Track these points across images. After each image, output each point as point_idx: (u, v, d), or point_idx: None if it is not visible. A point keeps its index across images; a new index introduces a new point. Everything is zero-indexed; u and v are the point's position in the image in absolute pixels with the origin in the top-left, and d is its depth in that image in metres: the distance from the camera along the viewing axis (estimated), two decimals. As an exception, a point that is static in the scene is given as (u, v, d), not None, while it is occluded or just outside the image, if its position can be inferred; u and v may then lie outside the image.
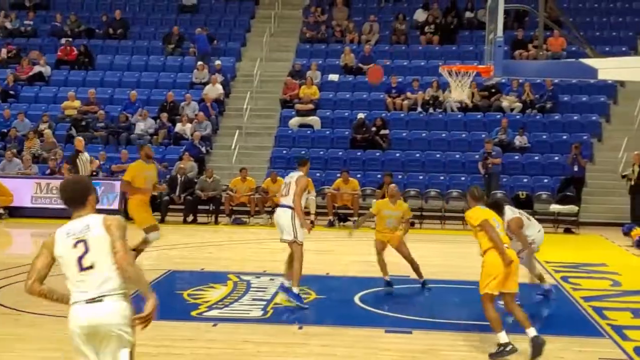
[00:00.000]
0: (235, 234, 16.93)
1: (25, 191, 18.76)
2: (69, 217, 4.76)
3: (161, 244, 14.66)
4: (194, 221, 18.52)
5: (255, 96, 22.91)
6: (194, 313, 9.30)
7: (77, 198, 4.67)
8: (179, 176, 18.74)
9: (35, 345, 7.88)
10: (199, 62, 23.20)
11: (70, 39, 24.44)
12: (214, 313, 9.31)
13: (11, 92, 22.79)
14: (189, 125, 21.13)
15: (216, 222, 18.52)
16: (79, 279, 4.49)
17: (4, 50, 24.06)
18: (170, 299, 10.19)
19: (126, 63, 24.36)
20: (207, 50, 23.78)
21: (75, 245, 4.50)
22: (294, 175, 10.05)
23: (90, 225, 4.54)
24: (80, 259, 4.48)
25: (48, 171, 19.55)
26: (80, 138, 18.75)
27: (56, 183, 18.81)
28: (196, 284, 10.83)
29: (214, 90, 22.40)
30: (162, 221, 18.33)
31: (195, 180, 19.09)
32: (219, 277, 11.36)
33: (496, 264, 7.47)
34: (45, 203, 18.61)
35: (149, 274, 11.23)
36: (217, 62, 23.22)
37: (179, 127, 21.23)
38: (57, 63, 24.06)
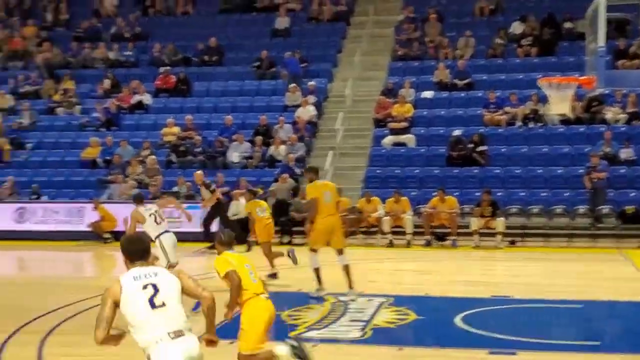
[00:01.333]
0: (331, 255, 16.86)
1: (128, 216, 19.25)
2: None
3: (259, 266, 14.75)
4: (290, 242, 18.58)
5: (348, 116, 22.91)
6: (292, 334, 9.27)
7: (146, 250, 5.22)
8: (269, 199, 18.85)
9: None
10: (291, 85, 23.42)
11: (169, 68, 25.09)
12: (313, 334, 9.27)
13: (114, 120, 23.53)
14: (282, 147, 21.30)
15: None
16: (153, 316, 4.85)
17: (106, 81, 24.89)
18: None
19: (221, 89, 24.82)
20: (298, 73, 23.99)
21: (144, 287, 4.90)
22: None
23: (157, 272, 5.02)
24: (151, 299, 4.86)
25: (150, 196, 20.03)
26: (199, 172, 18.93)
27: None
28: (294, 305, 10.81)
29: (307, 112, 22.54)
30: (257, 243, 18.53)
31: (290, 202, 19.18)
32: (316, 298, 11.32)
33: None
34: (139, 227, 19.03)
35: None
36: (311, 83, 23.39)
37: (272, 149, 21.43)
38: (156, 91, 24.73)
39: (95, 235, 19.12)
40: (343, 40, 26.28)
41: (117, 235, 19.12)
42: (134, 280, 4.95)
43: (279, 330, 9.53)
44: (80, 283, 13.68)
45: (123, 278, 5.00)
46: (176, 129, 22.51)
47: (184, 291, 5.05)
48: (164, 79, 24.73)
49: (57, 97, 24.76)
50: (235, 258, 7.04)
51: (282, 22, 26.45)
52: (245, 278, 6.81)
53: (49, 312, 10.39)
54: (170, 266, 10.66)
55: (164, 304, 4.88)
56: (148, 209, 12.01)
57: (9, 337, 9.05)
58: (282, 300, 11.48)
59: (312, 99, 22.92)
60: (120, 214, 19.25)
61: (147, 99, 24.28)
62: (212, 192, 17.77)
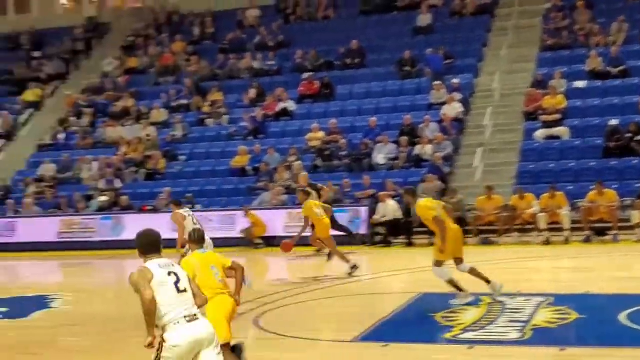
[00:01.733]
0: (484, 255, 16.44)
1: (278, 221, 19.61)
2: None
3: (411, 267, 14.58)
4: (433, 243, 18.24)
5: (497, 111, 22.29)
6: (448, 335, 9.03)
7: (158, 243, 5.92)
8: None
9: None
10: (435, 83, 23.06)
11: (311, 73, 25.35)
12: (469, 335, 8.97)
13: (261, 128, 24.01)
14: (429, 146, 20.98)
15: (464, 244, 18.07)
16: (178, 299, 5.54)
17: (252, 90, 25.45)
18: (423, 321, 10.03)
19: (364, 91, 24.79)
20: (440, 70, 23.61)
21: (169, 274, 5.60)
22: None
23: (173, 263, 5.77)
24: (176, 284, 5.57)
25: (298, 201, 20.26)
26: (304, 173, 19.27)
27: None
28: (448, 306, 10.54)
29: (453, 109, 22.10)
30: (409, 244, 18.36)
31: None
32: (470, 302, 10.98)
33: None
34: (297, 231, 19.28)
35: (401, 297, 11.16)
36: (455, 80, 22.94)
37: (418, 149, 21.15)
38: (300, 97, 25.03)
39: (247, 241, 19.53)
40: (488, 34, 25.63)
41: (267, 241, 19.50)
42: (160, 268, 5.61)
43: (433, 331, 9.35)
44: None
45: (149, 265, 5.65)
46: (321, 134, 22.67)
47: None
48: (307, 84, 24.99)
49: (206, 109, 25.56)
50: (201, 259, 7.37)
51: (424, 19, 26.14)
52: (209, 279, 7.11)
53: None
54: None
55: (185, 290, 5.62)
56: (186, 211, 13.10)
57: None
58: (435, 301, 11.28)
59: (458, 95, 22.47)
60: (270, 220, 19.66)
61: (291, 105, 24.61)
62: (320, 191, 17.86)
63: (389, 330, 9.71)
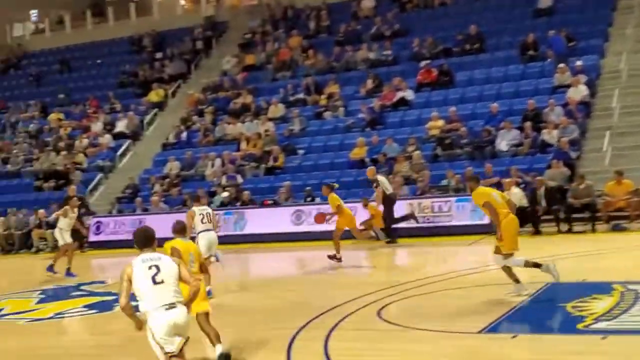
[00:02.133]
0: (615, 241, 15.74)
1: (398, 212, 19.40)
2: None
3: (537, 256, 14.11)
4: (569, 231, 17.63)
5: (624, 92, 21.32)
6: (580, 326, 8.67)
7: (150, 239, 6.72)
8: (537, 187, 18.03)
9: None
10: (559, 65, 22.26)
11: (429, 61, 25.01)
12: (602, 325, 8.59)
13: (378, 119, 23.87)
14: (554, 131, 20.26)
15: (593, 230, 17.43)
16: (153, 290, 6.41)
17: (369, 81, 25.35)
18: (552, 312, 9.71)
19: (484, 76, 24.24)
20: (563, 52, 22.77)
21: (149, 268, 6.46)
22: None
23: (161, 257, 6.61)
24: (153, 277, 6.43)
25: (418, 192, 20.05)
26: (372, 167, 19.57)
27: (427, 202, 19.24)
28: (579, 296, 10.11)
29: (578, 91, 21.26)
30: (536, 232, 17.80)
31: (567, 188, 18.18)
32: (602, 288, 10.51)
33: None
34: (421, 222, 19.10)
35: (528, 287, 10.77)
36: (578, 63, 22.07)
37: (544, 134, 20.46)
38: (417, 86, 24.74)
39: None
40: (613, 13, 24.54)
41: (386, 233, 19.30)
42: (142, 262, 6.50)
43: (564, 321, 8.99)
44: (358, 280, 13.93)
45: (134, 261, 6.56)
46: (441, 122, 22.32)
47: (180, 276, 6.58)
48: (425, 73, 24.67)
49: (323, 102, 25.64)
50: (182, 246, 8.86)
51: (545, 0, 25.28)
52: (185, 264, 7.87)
53: (332, 309, 10.59)
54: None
55: (162, 282, 6.44)
56: (201, 209, 13.35)
57: (297, 332, 9.33)
58: (564, 291, 10.86)
59: (583, 77, 21.62)
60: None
61: (409, 94, 24.35)
62: (376, 187, 18.51)
63: (518, 321, 9.42)
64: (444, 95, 24.05)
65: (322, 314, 10.36)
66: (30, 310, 12.18)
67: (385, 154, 21.74)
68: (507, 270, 10.67)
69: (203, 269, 9.17)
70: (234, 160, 24.07)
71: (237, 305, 12.10)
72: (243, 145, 24.80)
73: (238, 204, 21.81)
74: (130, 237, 21.64)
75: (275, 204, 21.49)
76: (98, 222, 23.26)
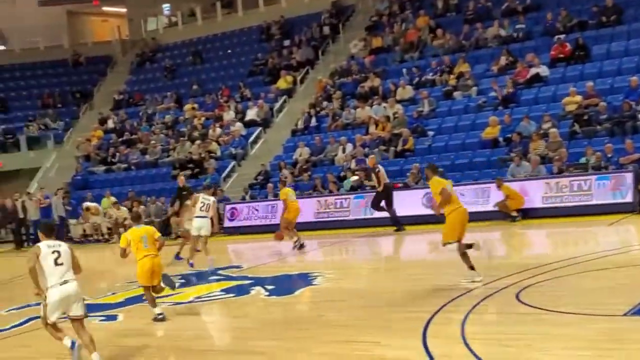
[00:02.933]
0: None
1: (535, 192, 18.84)
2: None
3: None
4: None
5: None
6: None
7: (52, 230, 8.84)
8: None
9: (563, 344, 7.57)
10: None
11: (563, 35, 24.08)
12: None
13: (511, 97, 23.19)
14: (702, 103, 19.07)
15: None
16: (55, 269, 8.31)
17: (502, 58, 24.67)
18: None
19: (623, 49, 23.09)
20: None
21: (53, 252, 8.38)
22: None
23: (61, 244, 8.58)
24: (55, 259, 8.34)
25: (555, 170, 19.35)
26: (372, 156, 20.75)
27: (565, 181, 18.55)
28: None
29: None
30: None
31: None
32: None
33: None
34: (556, 202, 18.47)
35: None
36: None
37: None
38: (552, 61, 23.86)
39: (503, 214, 18.94)
40: None
41: (525, 213, 18.78)
42: (48, 247, 8.40)
43: None
44: (493, 262, 13.58)
45: (41, 244, 8.46)
46: (578, 98, 21.44)
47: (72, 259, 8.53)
48: (559, 47, 23.76)
49: (452, 82, 25.17)
50: (134, 232, 10.73)
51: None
52: (139, 244, 10.60)
53: (469, 291, 10.37)
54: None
55: (62, 263, 8.35)
56: (205, 198, 16.15)
57: (433, 316, 9.19)
58: None
59: None
60: (525, 191, 18.92)
61: (543, 70, 23.51)
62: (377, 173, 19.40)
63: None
64: (579, 70, 23.08)
65: (457, 297, 10.16)
66: (170, 295, 12.56)
67: (519, 133, 21.09)
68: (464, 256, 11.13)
69: (159, 245, 10.78)
70: (363, 144, 24.03)
71: (370, 289, 12.06)
72: (372, 128, 24.72)
73: (367, 187, 21.76)
74: (263, 222, 22.17)
75: (405, 186, 21.30)
76: (232, 208, 23.82)
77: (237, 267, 16.12)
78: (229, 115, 29.53)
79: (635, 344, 7.27)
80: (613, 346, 7.38)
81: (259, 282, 13.44)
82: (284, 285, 13.23)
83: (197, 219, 15.99)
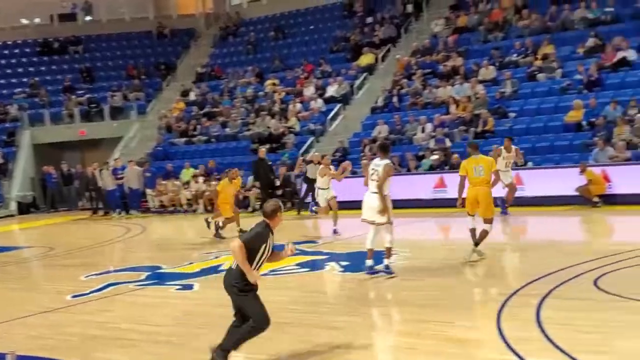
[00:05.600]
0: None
1: (620, 178, 18.47)
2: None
3: None
4: None
5: None
6: None
7: None
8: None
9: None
10: None
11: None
12: None
13: (597, 80, 22.67)
14: None
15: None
16: None
17: (590, 40, 24.12)
18: None
19: None
20: None
21: None
22: (380, 163, 11.33)
23: None
24: None
25: (640, 156, 18.93)
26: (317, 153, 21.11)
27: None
28: None
29: None
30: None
31: None
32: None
33: None
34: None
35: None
36: None
37: None
38: (641, 46, 23.23)
39: (584, 199, 18.63)
40: None
41: (606, 198, 18.45)
42: None
43: None
44: (573, 248, 13.44)
45: None
46: (667, 83, 20.83)
47: None
48: (649, 31, 23.09)
49: (537, 63, 24.73)
50: None
51: None
52: None
53: (545, 276, 10.31)
54: None
55: None
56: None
57: (508, 299, 9.19)
58: None
59: None
60: (609, 176, 18.56)
61: (632, 54, 22.90)
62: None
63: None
64: (669, 54, 22.41)
65: (534, 280, 10.12)
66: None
67: (605, 117, 20.64)
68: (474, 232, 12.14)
69: None
70: (444, 124, 23.89)
71: (445, 269, 12.07)
72: (452, 108, 24.53)
73: (447, 167, 21.65)
74: (340, 199, 22.23)
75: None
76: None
77: (313, 242, 16.32)
78: (309, 91, 29.71)
79: None
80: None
81: (334, 257, 13.60)
82: (358, 262, 13.36)
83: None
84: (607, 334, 7.58)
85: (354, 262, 13.15)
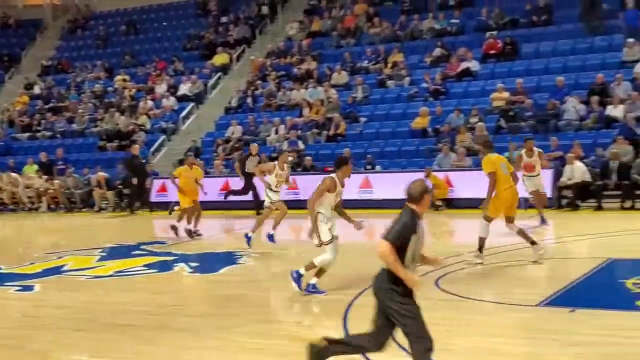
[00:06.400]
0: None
1: (460, 183, 19.32)
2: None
3: (600, 232, 13.93)
4: (632, 208, 17.31)
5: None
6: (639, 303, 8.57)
7: None
8: (611, 162, 17.71)
9: (480, 331, 7.91)
10: (629, 40, 21.73)
11: (495, 32, 24.64)
12: (665, 304, 8.47)
13: (442, 89, 23.65)
14: (620, 107, 19.82)
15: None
16: None
17: (437, 50, 25.09)
18: (612, 288, 9.64)
19: (551, 49, 23.78)
20: (636, 26, 22.16)
21: None
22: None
23: None
24: None
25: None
26: (256, 145, 20.67)
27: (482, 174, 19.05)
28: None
29: (648, 67, 20.75)
30: (598, 208, 17.53)
31: (631, 165, 17.82)
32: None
33: None
34: (480, 194, 18.92)
35: (589, 262, 10.69)
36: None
37: (610, 109, 20.04)
38: (483, 57, 24.40)
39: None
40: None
41: (449, 203, 19.28)
42: None
43: (624, 298, 8.87)
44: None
45: None
46: (506, 94, 22.02)
47: None
48: (491, 44, 24.32)
49: (387, 71, 25.49)
50: None
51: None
52: None
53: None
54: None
55: None
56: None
57: (355, 298, 9.41)
58: (626, 267, 10.74)
59: (653, 53, 21.08)
60: (452, 181, 19.40)
61: (474, 65, 24.05)
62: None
63: (577, 296, 9.33)
64: (509, 67, 23.70)
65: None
66: (91, 268, 12.48)
67: (449, 125, 21.56)
68: (522, 233, 11.18)
69: None
70: (297, 126, 24.17)
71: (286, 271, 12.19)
72: (306, 111, 24.86)
73: (300, 170, 21.93)
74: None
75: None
76: (162, 183, 23.65)
77: (162, 243, 16.07)
78: (161, 88, 29.23)
79: (546, 334, 7.62)
80: (527, 335, 7.74)
81: (184, 259, 13.47)
82: (209, 263, 13.30)
83: None
84: (448, 332, 7.89)
85: (205, 263, 13.08)
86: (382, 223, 14.62)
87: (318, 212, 9.70)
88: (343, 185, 9.85)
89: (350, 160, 11.99)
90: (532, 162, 15.49)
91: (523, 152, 15.79)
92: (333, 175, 9.77)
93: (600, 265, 10.70)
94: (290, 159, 22.14)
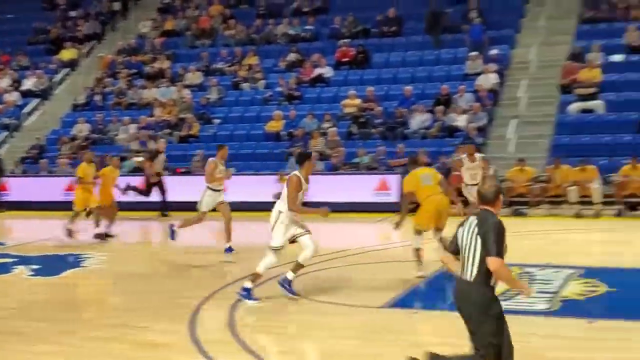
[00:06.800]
0: (515, 225, 16.33)
1: (311, 186, 19.60)
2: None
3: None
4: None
5: (532, 83, 22.08)
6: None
7: None
8: (452, 170, 18.58)
9: (327, 333, 8.12)
10: (472, 53, 22.89)
11: (348, 40, 25.25)
12: (497, 305, 8.99)
13: (296, 94, 23.99)
14: (463, 116, 20.86)
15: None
16: None
17: (291, 55, 25.39)
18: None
19: (400, 59, 24.64)
20: (480, 40, 23.37)
21: None
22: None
23: None
24: None
25: (332, 168, 20.32)
26: (163, 140, 21.28)
27: (335, 178, 19.56)
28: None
29: (488, 80, 21.92)
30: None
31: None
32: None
33: None
34: (330, 198, 19.32)
35: (432, 265, 11.19)
36: (493, 52, 22.73)
37: (452, 118, 21.04)
38: (336, 64, 24.94)
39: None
40: (526, 5, 25.29)
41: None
42: None
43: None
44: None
45: None
46: (357, 101, 22.60)
47: None
48: (343, 51, 24.89)
49: (242, 73, 25.56)
50: None
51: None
52: None
53: (242, 279, 10.63)
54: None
55: None
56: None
57: (203, 302, 9.43)
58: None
59: (493, 66, 22.27)
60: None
61: (327, 72, 24.54)
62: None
63: (420, 298, 9.76)
64: (360, 74, 24.34)
65: (229, 284, 10.48)
66: None
67: (303, 129, 21.91)
68: (442, 241, 10.75)
69: None
70: (148, 126, 23.78)
71: (142, 273, 12.07)
72: (157, 111, 24.51)
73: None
74: (36, 199, 21.03)
75: (188, 172, 21.39)
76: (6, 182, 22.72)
77: (0, 244, 15.43)
78: (4, 82, 27.95)
79: (390, 335, 7.92)
80: (372, 336, 7.98)
81: (23, 260, 13.00)
82: (51, 265, 12.88)
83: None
84: (296, 334, 8.08)
85: (46, 265, 12.67)
86: (234, 226, 14.73)
87: (279, 211, 9.53)
88: (307, 182, 9.70)
89: (313, 155, 11.54)
90: (474, 167, 14.81)
91: (463, 156, 15.20)
92: (296, 172, 9.62)
93: (442, 267, 11.19)
94: (140, 159, 21.85)
